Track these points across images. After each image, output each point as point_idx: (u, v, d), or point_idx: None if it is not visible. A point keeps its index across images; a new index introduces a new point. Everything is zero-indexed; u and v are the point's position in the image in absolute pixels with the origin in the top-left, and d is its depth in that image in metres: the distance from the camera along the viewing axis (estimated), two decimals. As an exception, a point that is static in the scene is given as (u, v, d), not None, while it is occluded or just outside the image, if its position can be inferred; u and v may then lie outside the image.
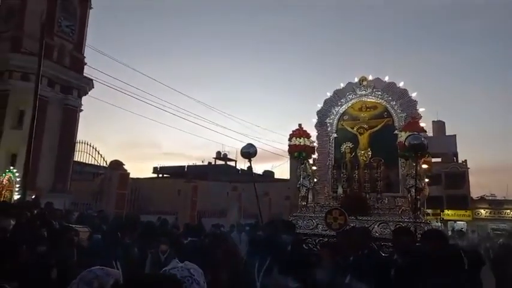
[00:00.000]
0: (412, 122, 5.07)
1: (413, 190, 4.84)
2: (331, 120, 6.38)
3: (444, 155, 32.12)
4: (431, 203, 31.89)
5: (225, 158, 38.57)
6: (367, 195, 5.49)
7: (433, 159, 33.82)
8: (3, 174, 15.53)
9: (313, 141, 6.06)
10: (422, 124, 5.63)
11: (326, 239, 5.11)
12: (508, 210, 27.36)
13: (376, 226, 4.99)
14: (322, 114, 6.45)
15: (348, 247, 3.91)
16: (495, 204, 28.74)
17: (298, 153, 5.77)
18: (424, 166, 5.65)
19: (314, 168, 6.38)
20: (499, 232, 21.71)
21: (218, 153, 38.69)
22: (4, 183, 15.24)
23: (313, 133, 6.55)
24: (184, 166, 38.07)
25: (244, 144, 5.43)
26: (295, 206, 6.21)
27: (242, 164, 39.06)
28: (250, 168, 5.42)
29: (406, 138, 4.47)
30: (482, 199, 30.46)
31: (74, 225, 7.22)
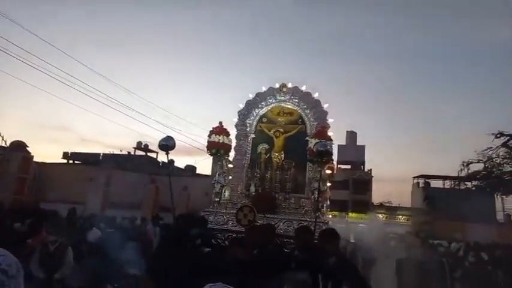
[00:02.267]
0: (321, 130, 5.56)
1: (317, 192, 5.32)
2: (250, 121, 6.65)
3: (353, 163, 35.19)
4: (339, 206, 34.76)
5: (146, 149, 37.07)
6: (277, 195, 5.86)
7: (343, 166, 36.99)
8: None
9: (232, 140, 6.25)
10: (330, 133, 6.18)
11: (234, 235, 5.34)
12: (401, 216, 31.06)
13: (281, 224, 5.37)
14: (243, 115, 6.69)
15: (254, 242, 4.18)
16: (391, 210, 32.35)
17: (216, 150, 5.91)
18: (328, 171, 6.23)
19: (230, 166, 6.58)
20: (391, 235, 24.61)
21: (139, 143, 36.98)
22: None
23: (234, 132, 6.78)
24: (100, 154, 35.73)
25: (164, 136, 5.39)
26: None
27: (163, 157, 38.00)
28: (168, 161, 5.42)
29: (314, 145, 4.91)
30: (381, 205, 34.07)
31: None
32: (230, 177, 6.45)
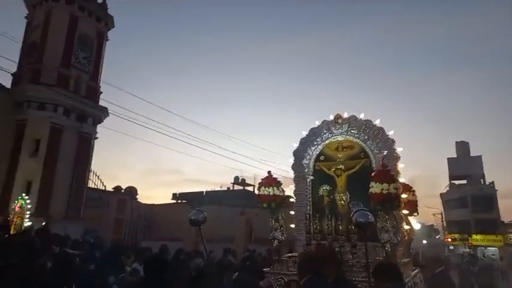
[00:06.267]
0: (382, 170, 4.56)
1: (389, 246, 4.36)
2: (307, 161, 5.97)
3: (469, 176, 30.40)
4: (458, 227, 30.07)
5: (243, 183, 38.33)
6: (341, 248, 4.90)
7: (458, 182, 32.22)
8: (16, 202, 15.94)
9: (283, 190, 5.61)
10: (400, 165, 5.16)
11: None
12: (544, 236, 25.30)
13: (345, 286, 4.43)
14: (298, 155, 6.06)
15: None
16: (529, 229, 26.73)
17: (267, 203, 5.34)
18: (405, 211, 5.12)
19: (292, 212, 5.94)
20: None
21: (236, 178, 38.54)
22: (16, 210, 15.61)
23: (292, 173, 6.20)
24: (203, 192, 38.13)
25: (193, 211, 5.19)
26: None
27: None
28: (200, 234, 5.27)
29: (352, 214, 4.08)
30: (515, 223, 28.47)
31: (69, 250, 7.53)
32: (292, 226, 5.80)
